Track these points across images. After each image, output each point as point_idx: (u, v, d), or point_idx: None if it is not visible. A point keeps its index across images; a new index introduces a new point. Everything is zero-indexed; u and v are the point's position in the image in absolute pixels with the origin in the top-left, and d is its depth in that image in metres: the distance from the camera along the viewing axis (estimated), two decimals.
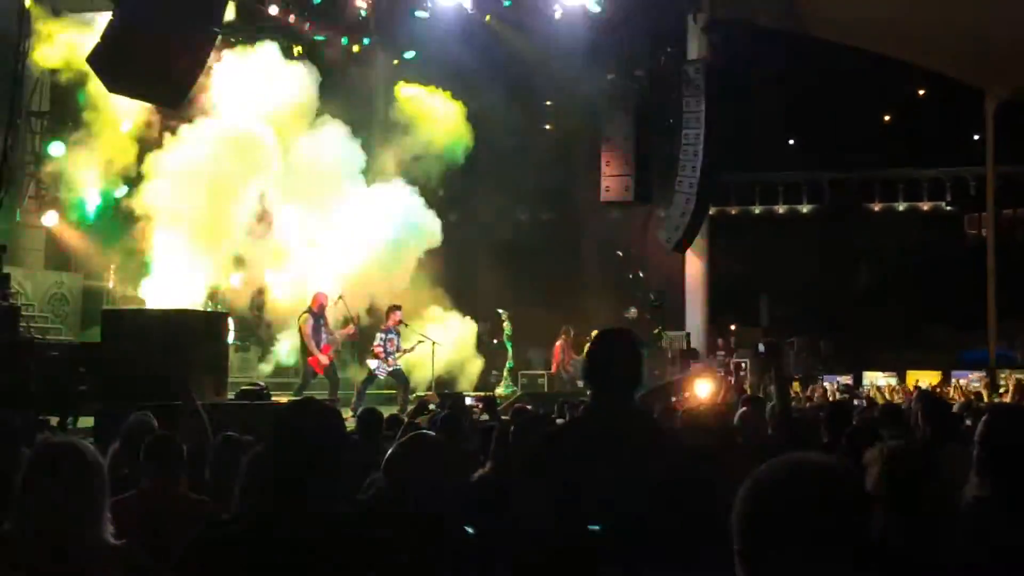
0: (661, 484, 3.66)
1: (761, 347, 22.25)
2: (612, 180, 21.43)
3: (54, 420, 12.90)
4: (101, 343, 13.84)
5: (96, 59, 11.10)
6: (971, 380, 21.81)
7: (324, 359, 17.41)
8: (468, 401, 14.89)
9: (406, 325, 18.75)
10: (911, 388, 20.66)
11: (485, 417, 11.71)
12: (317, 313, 17.62)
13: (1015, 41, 21.58)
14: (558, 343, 22.11)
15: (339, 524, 3.04)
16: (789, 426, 5.79)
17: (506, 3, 21.94)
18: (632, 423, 4.04)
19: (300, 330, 17.61)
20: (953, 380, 22.24)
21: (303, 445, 3.03)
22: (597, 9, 22.05)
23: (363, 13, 22.21)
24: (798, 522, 1.94)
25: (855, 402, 15.79)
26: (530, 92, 23.46)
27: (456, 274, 23.31)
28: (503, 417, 11.91)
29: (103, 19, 12.97)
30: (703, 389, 17.92)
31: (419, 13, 22.15)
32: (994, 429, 3.59)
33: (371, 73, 24.08)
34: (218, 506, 4.97)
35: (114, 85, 11.50)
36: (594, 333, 4.36)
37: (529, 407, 11.31)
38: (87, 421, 12.66)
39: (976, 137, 31.87)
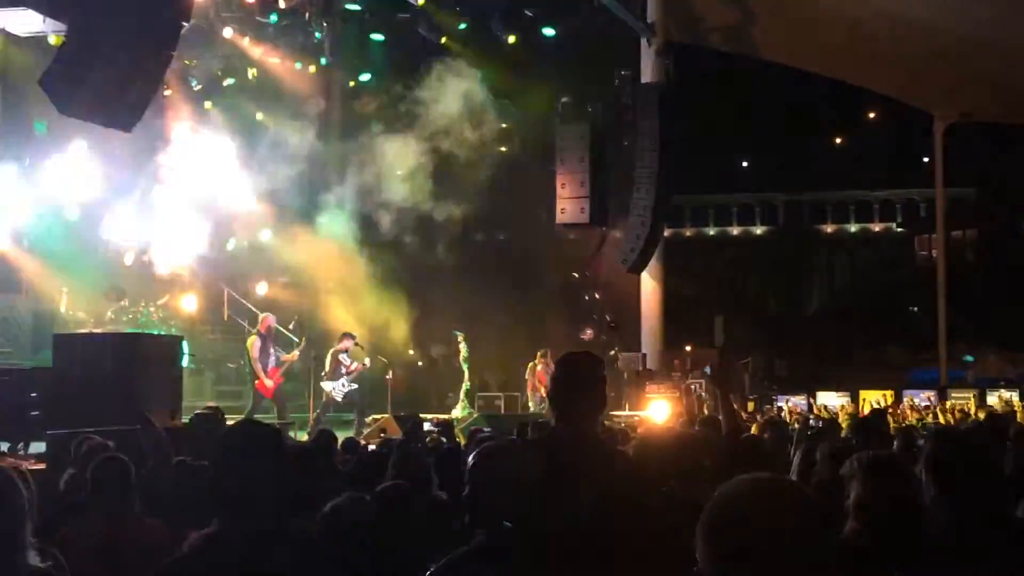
0: (614, 507, 3.69)
1: (707, 369, 22.37)
2: (567, 202, 21.49)
3: (4, 446, 12.73)
4: (53, 367, 13.68)
5: (49, 81, 11.01)
6: (922, 400, 22.02)
7: (270, 382, 17.18)
8: (426, 426, 14.80)
9: (361, 347, 18.70)
10: (862, 408, 20.83)
11: (444, 440, 11.70)
12: (265, 335, 17.51)
13: (962, 64, 21.96)
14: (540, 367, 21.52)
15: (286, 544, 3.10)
16: (737, 448, 5.82)
17: (461, 27, 21.99)
18: (592, 448, 4.06)
19: (248, 353, 17.50)
20: (905, 399, 22.46)
21: (238, 468, 3.11)
22: (552, 32, 22.18)
23: (319, 35, 22.18)
24: (763, 541, 1.96)
25: (810, 422, 15.87)
26: (485, 114, 23.54)
27: (412, 295, 23.27)
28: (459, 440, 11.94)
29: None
30: (660, 412, 18.00)
31: (375, 36, 22.18)
32: (940, 452, 3.66)
33: (326, 95, 24.12)
34: (172, 530, 4.94)
35: (67, 108, 11.40)
36: (559, 357, 4.36)
37: (486, 430, 11.34)
38: (39, 446, 12.50)
39: (926, 159, 32.36)
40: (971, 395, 22.40)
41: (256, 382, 17.33)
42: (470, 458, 3.54)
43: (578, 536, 3.49)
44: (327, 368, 18.03)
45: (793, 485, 2.14)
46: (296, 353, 18.16)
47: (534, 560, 3.22)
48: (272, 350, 17.49)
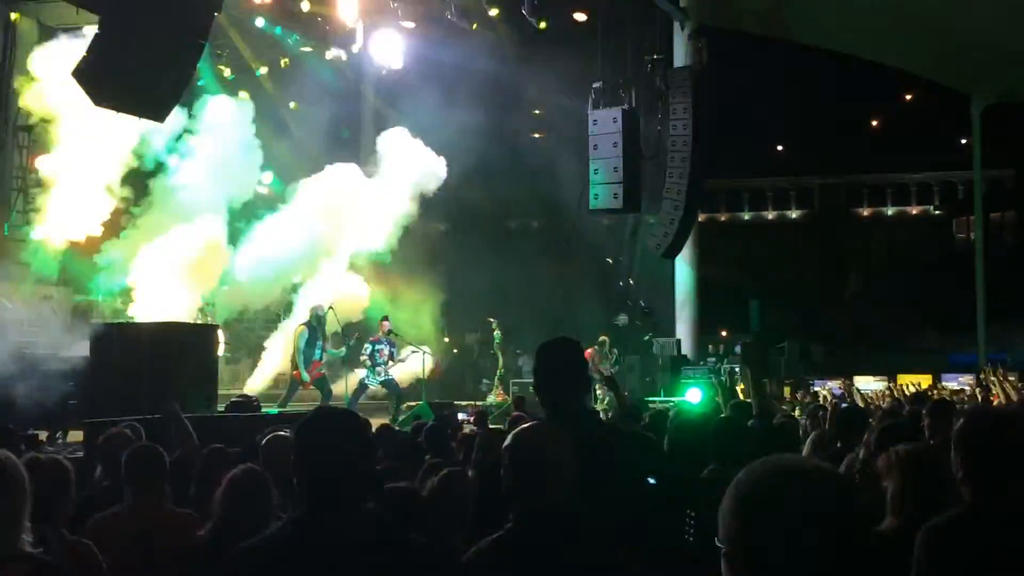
0: (627, 478, 3.69)
1: (737, 348, 22.30)
2: (600, 188, 21.39)
3: (43, 435, 12.85)
4: (90, 357, 13.80)
5: (81, 73, 11.05)
6: (961, 383, 21.77)
7: (307, 375, 17.19)
8: (460, 416, 14.74)
9: (396, 335, 18.66)
10: (898, 393, 20.58)
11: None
12: (315, 326, 17.48)
13: (999, 44, 21.68)
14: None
15: (379, 525, 3.16)
16: (767, 429, 5.77)
17: (492, 13, 21.95)
18: (591, 424, 4.09)
19: (294, 342, 17.50)
20: (942, 383, 22.23)
21: (334, 450, 3.11)
22: (584, 17, 22.10)
23: (350, 24, 22.21)
24: (794, 524, 1.92)
25: (842, 405, 15.69)
26: (518, 101, 23.50)
27: (447, 282, 23.30)
28: (497, 426, 11.93)
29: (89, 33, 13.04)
30: (695, 397, 17.90)
31: (406, 23, 22.18)
32: (975, 432, 3.58)
33: (358, 84, 24.21)
34: (203, 519, 4.95)
35: (100, 99, 11.44)
36: (540, 346, 4.31)
37: (524, 415, 11.32)
38: (77, 435, 12.62)
39: (963, 141, 31.99)
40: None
41: (294, 371, 17.36)
42: (507, 438, 3.51)
43: (613, 519, 3.47)
44: (364, 357, 17.96)
45: (827, 467, 2.09)
46: (343, 350, 18.14)
47: (569, 543, 3.20)
48: (319, 342, 17.43)
